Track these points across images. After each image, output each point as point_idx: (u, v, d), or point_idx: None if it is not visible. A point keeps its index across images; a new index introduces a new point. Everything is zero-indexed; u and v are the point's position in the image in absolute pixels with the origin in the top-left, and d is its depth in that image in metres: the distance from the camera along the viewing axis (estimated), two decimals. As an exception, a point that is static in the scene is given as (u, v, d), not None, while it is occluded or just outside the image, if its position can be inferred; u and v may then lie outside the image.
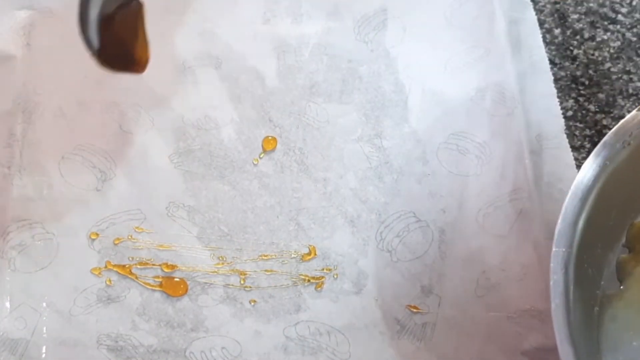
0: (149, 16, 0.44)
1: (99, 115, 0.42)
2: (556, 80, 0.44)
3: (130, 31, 0.36)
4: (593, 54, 0.46)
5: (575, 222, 0.31)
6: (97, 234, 0.39)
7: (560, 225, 0.31)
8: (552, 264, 0.30)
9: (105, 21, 0.33)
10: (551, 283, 0.29)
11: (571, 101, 0.44)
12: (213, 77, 0.43)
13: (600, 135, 0.43)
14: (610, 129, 0.43)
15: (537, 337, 0.38)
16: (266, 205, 0.40)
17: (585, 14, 0.47)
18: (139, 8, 0.36)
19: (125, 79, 0.42)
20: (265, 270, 0.39)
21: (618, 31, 0.46)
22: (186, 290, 0.38)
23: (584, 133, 0.43)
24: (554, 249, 0.30)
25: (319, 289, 0.39)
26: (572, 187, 0.32)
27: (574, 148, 0.42)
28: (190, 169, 0.41)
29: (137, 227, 0.39)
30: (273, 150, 0.42)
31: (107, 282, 0.38)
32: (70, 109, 0.42)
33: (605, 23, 0.46)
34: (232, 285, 0.38)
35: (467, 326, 0.38)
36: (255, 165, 0.41)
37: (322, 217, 0.40)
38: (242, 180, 0.41)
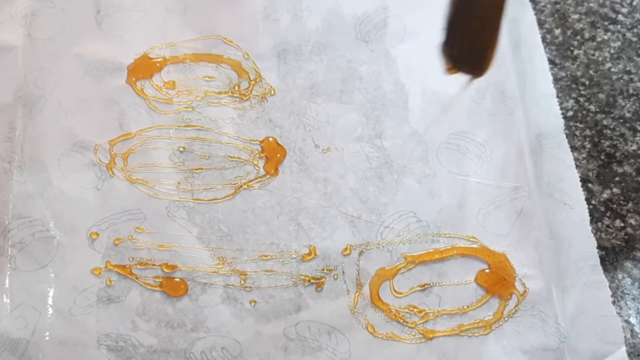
0: (148, 16, 0.44)
1: (98, 113, 0.41)
2: (556, 80, 0.44)
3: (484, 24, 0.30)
4: (593, 54, 0.46)
5: None
6: (97, 234, 0.39)
7: None
8: None
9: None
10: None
11: (571, 101, 0.44)
12: (213, 76, 0.43)
13: (601, 135, 0.43)
14: (610, 129, 0.43)
15: (537, 336, 0.38)
16: (266, 205, 0.40)
17: (586, 14, 0.47)
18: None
19: (124, 79, 0.42)
20: (266, 271, 0.39)
21: (618, 31, 0.46)
22: (186, 291, 0.38)
23: (584, 133, 0.43)
24: None
25: (319, 289, 0.39)
26: None
27: (574, 148, 0.42)
28: (190, 168, 0.41)
29: (137, 227, 0.39)
30: (282, 162, 0.42)
31: (107, 282, 0.38)
32: (70, 105, 0.41)
33: (606, 23, 0.46)
34: (233, 285, 0.38)
35: (466, 326, 0.38)
36: (255, 165, 0.41)
37: (322, 217, 0.40)
38: (242, 180, 0.41)
